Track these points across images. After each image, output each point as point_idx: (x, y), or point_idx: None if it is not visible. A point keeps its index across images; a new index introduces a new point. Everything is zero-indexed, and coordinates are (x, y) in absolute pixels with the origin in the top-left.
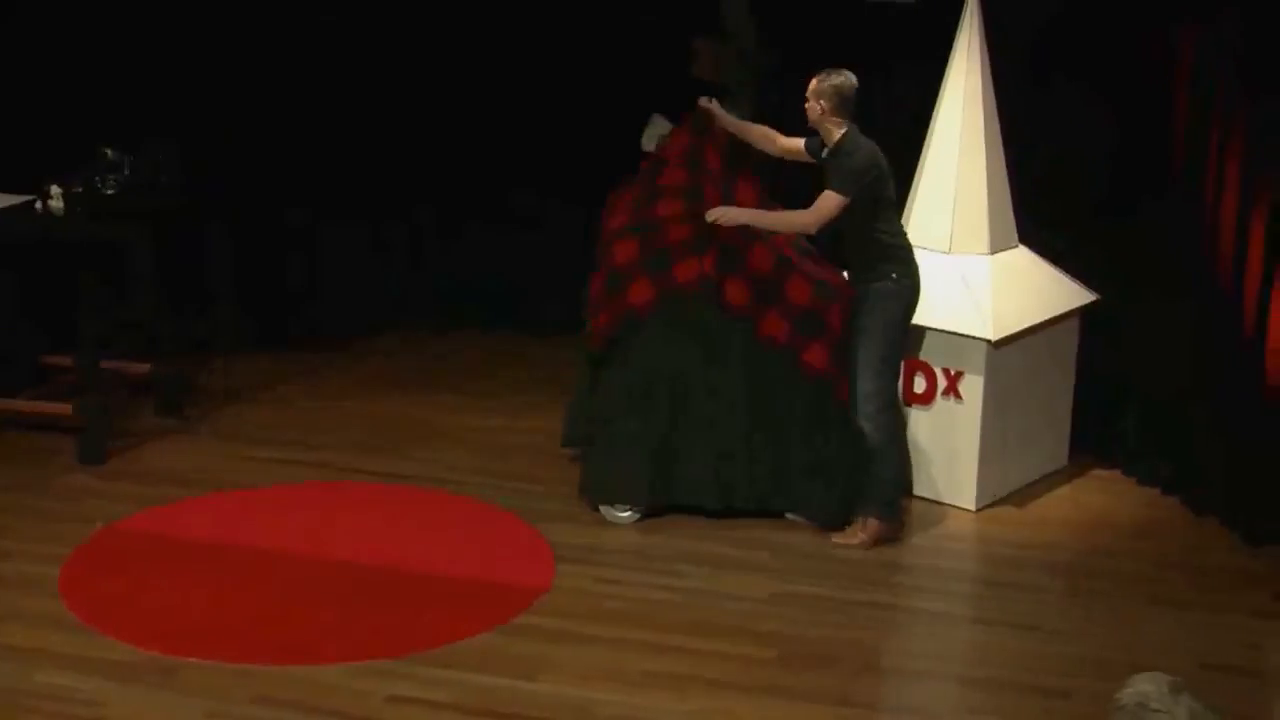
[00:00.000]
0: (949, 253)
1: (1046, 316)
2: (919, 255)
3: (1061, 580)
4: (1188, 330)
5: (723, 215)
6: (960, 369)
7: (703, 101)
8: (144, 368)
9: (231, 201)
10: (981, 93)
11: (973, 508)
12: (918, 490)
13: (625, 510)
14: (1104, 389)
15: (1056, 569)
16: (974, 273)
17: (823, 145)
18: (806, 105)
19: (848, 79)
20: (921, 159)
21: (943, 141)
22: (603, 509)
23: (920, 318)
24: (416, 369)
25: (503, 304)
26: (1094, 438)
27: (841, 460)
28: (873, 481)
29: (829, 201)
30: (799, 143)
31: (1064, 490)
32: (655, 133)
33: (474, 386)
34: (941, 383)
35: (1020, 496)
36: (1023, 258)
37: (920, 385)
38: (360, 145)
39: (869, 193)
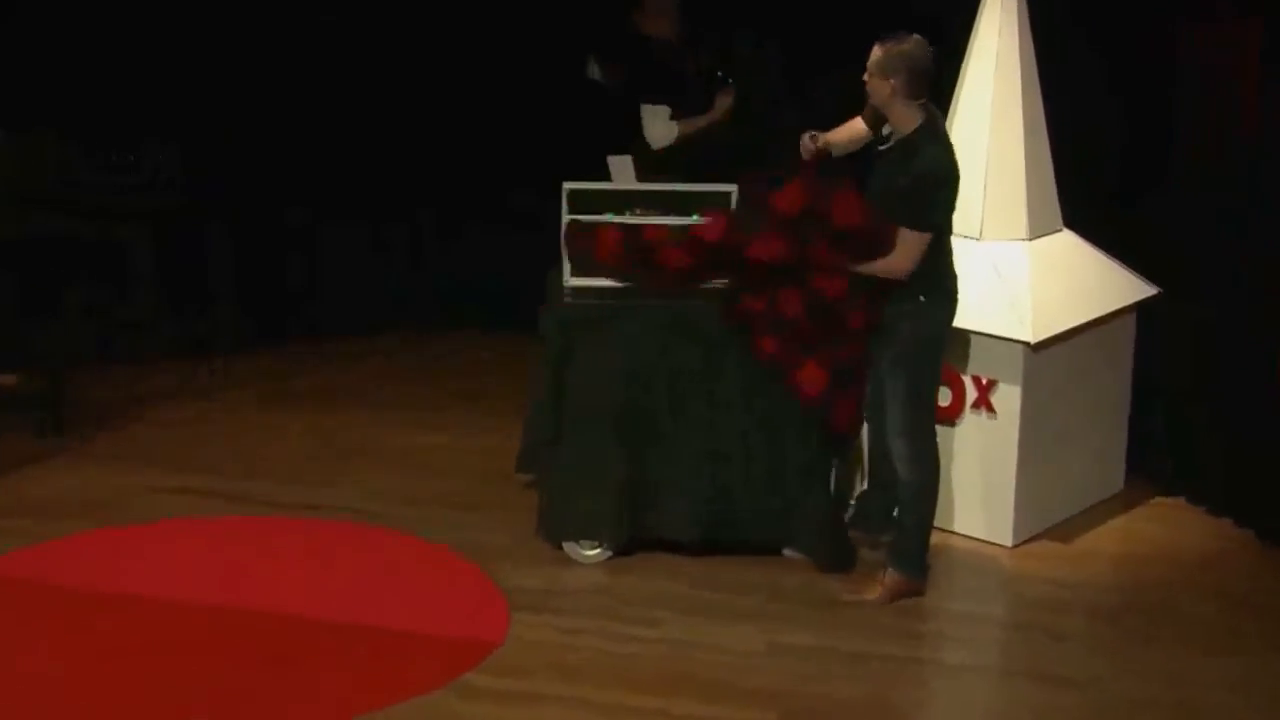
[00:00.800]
0: (980, 239)
1: (1096, 314)
2: None
3: (1107, 625)
4: (1243, 334)
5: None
6: (993, 377)
7: (808, 143)
8: (10, 379)
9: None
10: (1019, 48)
11: (1009, 543)
12: (943, 523)
13: (592, 547)
14: (1165, 399)
15: (1100, 612)
16: (1009, 262)
17: (882, 124)
18: (868, 83)
19: (920, 46)
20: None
21: (971, 107)
22: (566, 546)
23: None
24: (374, 378)
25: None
26: (1154, 457)
27: (829, 461)
28: (899, 530)
29: (913, 244)
30: (859, 127)
31: (1117, 521)
32: (659, 123)
33: (433, 398)
34: (971, 394)
35: (1065, 529)
36: (1068, 244)
37: (945, 398)
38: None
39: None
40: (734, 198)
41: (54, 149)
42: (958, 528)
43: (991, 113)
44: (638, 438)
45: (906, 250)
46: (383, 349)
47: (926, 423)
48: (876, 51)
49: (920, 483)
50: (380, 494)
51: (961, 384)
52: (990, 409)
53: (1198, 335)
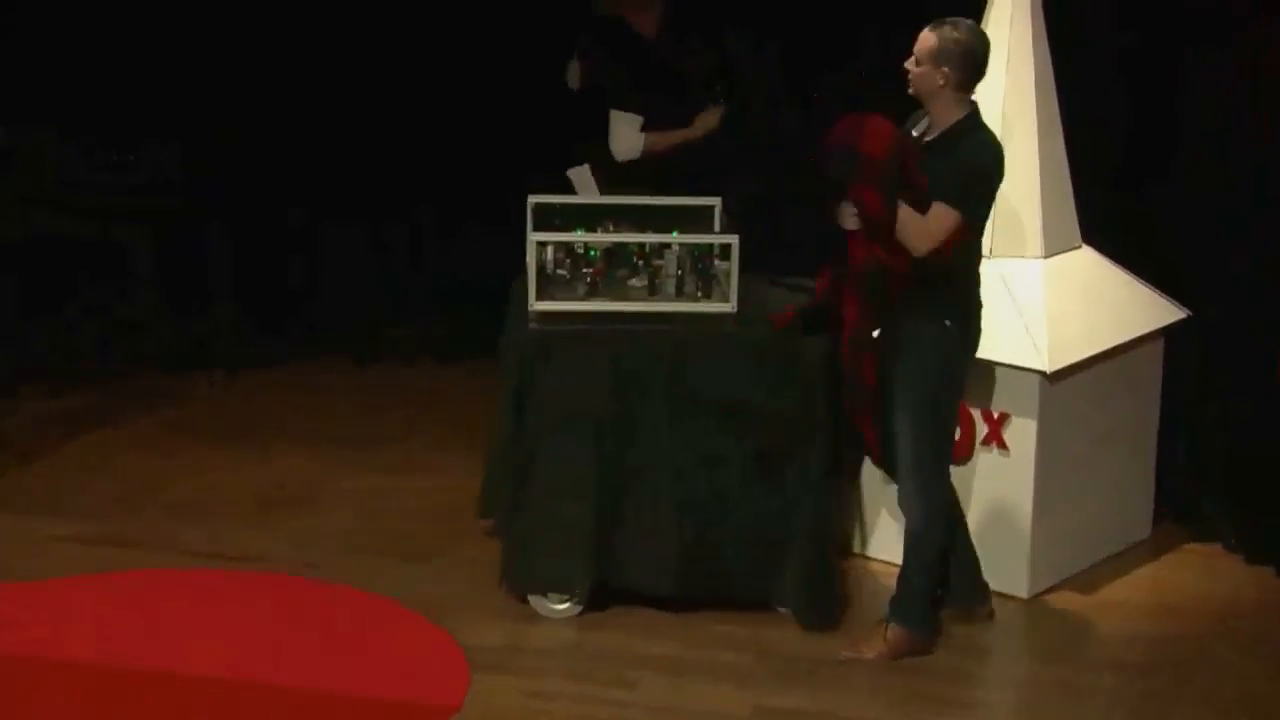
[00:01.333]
0: (989, 256)
1: (1120, 340)
2: None
3: (1134, 683)
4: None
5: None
6: (1005, 411)
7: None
8: None
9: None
10: (1031, 41)
11: (1024, 594)
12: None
13: (561, 600)
14: (1196, 432)
15: (1126, 669)
16: (1023, 283)
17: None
18: (913, 72)
19: (978, 34)
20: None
21: (980, 107)
22: (532, 599)
23: None
24: (323, 406)
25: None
26: (1185, 500)
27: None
28: (902, 581)
29: (942, 220)
30: None
31: (1145, 570)
32: (629, 134)
33: (389, 428)
34: (981, 429)
35: (1086, 579)
36: (1087, 261)
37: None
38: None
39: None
40: (718, 211)
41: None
42: None
43: (1002, 115)
44: (614, 477)
45: (928, 225)
46: (339, 370)
47: (938, 461)
48: (930, 37)
49: (924, 528)
50: (323, 541)
51: (971, 419)
52: (1002, 446)
53: (1207, 344)
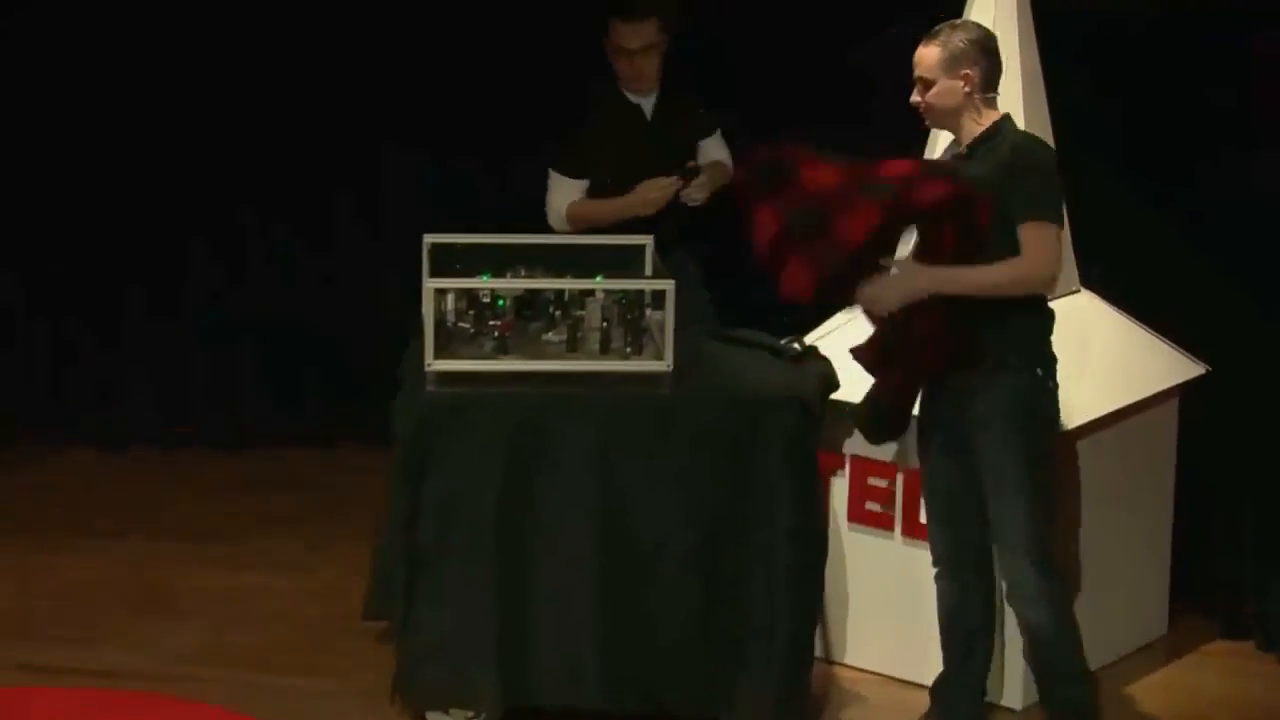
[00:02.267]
0: None
1: (1128, 401)
2: None
3: None
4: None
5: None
6: None
7: None
8: None
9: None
10: (1019, 42)
11: (1018, 705)
12: (928, 679)
13: (465, 717)
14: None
15: None
16: None
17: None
18: (929, 96)
19: (981, 25)
20: (927, 157)
21: None
22: (430, 716)
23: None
24: (177, 492)
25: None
26: (1208, 588)
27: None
28: (1055, 685)
29: (1042, 238)
30: None
31: (1161, 674)
32: (556, 200)
33: (257, 518)
34: None
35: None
36: (1087, 309)
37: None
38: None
39: None
40: (649, 252)
41: None
42: None
43: None
44: (524, 571)
45: (1038, 248)
46: (201, 453)
47: (1050, 540)
48: (933, 51)
49: (1062, 618)
50: (185, 652)
51: None
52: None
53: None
